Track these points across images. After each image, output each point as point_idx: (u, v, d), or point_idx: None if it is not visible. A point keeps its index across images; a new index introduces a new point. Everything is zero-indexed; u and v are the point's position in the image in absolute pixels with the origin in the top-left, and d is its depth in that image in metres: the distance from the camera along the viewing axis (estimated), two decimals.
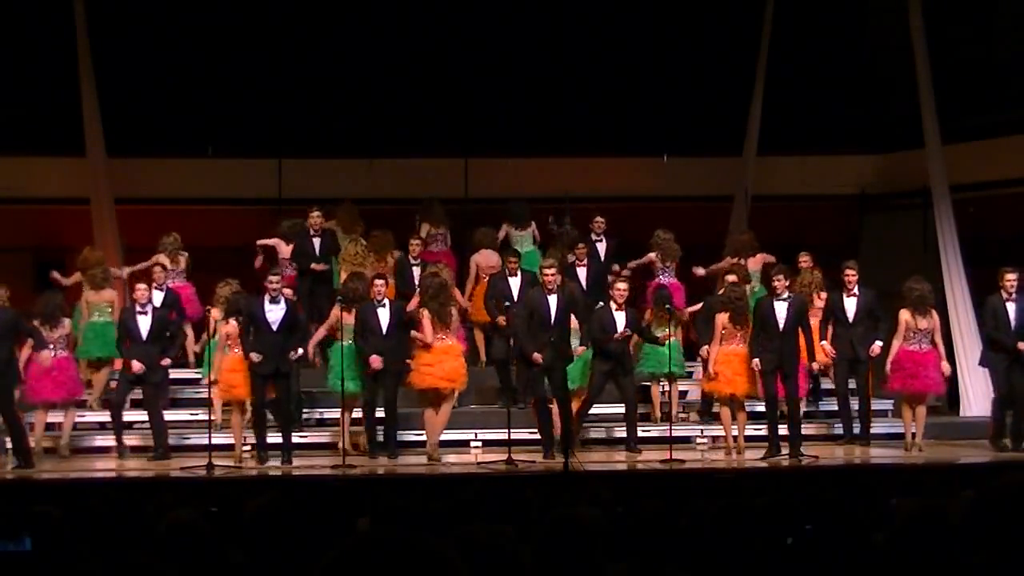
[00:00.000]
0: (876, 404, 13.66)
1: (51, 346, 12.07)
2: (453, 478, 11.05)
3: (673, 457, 11.58)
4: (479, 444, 12.60)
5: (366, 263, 13.57)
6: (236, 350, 11.93)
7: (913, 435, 12.38)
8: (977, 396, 13.48)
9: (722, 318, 12.16)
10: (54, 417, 12.51)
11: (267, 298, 11.76)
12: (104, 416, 12.86)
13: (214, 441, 11.60)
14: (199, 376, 13.34)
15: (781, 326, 11.86)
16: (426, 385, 11.94)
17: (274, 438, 11.89)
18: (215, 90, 16.65)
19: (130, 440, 12.66)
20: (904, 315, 12.31)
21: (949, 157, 14.89)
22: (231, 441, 12.72)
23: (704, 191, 16.72)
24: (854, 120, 17.52)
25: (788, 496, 5.11)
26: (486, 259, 14.00)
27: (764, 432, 12.28)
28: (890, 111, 17.28)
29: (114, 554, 2.89)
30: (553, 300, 11.84)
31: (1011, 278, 12.35)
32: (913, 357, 12.35)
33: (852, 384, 12.74)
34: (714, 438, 12.99)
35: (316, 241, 13.89)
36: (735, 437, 12.32)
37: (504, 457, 11.54)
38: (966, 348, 13.89)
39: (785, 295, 12.02)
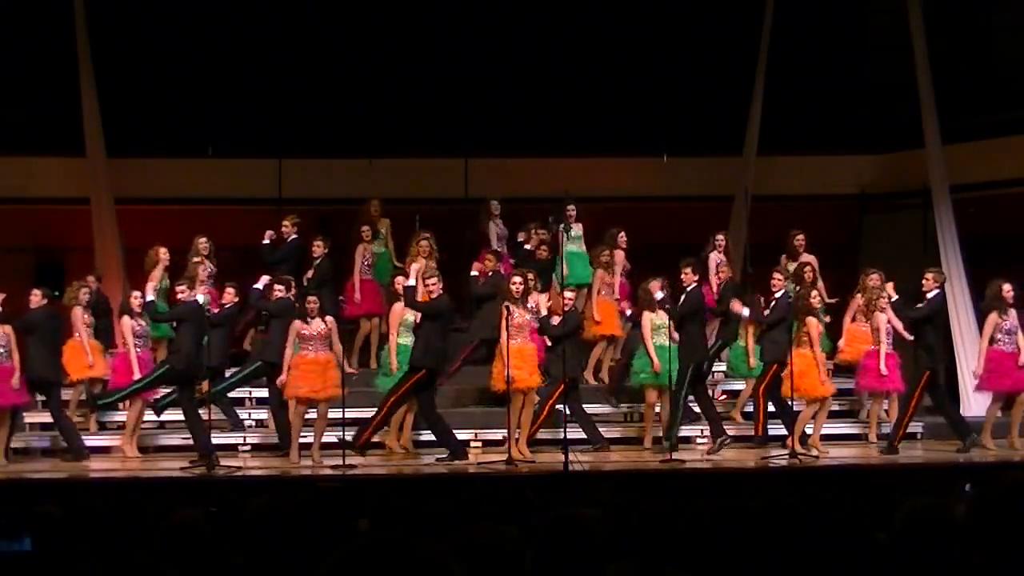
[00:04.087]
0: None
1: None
2: (453, 478, 11.05)
3: (673, 457, 11.60)
4: (479, 444, 12.61)
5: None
6: (307, 349, 11.89)
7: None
8: (977, 396, 13.46)
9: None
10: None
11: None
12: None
13: (214, 441, 11.63)
14: None
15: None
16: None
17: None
18: (215, 90, 16.65)
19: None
20: (992, 316, 12.43)
21: (949, 157, 14.89)
22: (232, 441, 12.74)
23: (704, 191, 16.71)
24: (854, 120, 17.51)
25: (788, 496, 5.11)
26: None
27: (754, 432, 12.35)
28: (890, 111, 17.26)
29: (114, 554, 2.89)
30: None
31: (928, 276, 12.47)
32: (1003, 358, 12.38)
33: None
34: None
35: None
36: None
37: (504, 457, 11.57)
38: (966, 348, 13.89)
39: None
